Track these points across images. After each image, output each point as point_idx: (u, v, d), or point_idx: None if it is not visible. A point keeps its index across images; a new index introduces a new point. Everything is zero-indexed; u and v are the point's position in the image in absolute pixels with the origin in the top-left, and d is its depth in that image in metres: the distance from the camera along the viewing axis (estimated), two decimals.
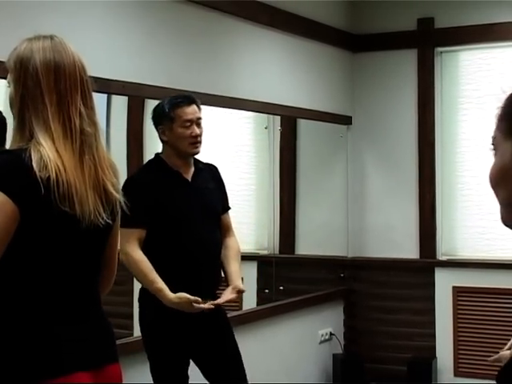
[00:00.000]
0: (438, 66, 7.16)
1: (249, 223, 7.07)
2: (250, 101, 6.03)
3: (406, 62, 7.20)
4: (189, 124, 4.08)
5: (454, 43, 7.10)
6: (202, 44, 5.58)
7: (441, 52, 7.17)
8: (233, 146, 6.55)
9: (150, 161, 4.33)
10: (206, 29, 5.60)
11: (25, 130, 2.41)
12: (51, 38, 2.49)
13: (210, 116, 6.30)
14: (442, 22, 7.08)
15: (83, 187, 2.40)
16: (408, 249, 7.16)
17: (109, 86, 4.72)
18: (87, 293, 2.55)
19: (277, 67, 6.41)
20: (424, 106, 7.15)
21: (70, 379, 2.38)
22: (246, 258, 6.97)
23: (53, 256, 2.43)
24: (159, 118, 4.16)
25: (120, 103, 5.38)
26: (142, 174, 4.28)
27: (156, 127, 4.19)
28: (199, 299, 3.85)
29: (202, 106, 5.62)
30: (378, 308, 7.21)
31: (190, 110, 4.11)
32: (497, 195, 1.42)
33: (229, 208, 4.40)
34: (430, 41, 7.14)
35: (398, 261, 7.17)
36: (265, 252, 7.13)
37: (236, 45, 5.96)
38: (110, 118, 5.50)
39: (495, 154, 1.42)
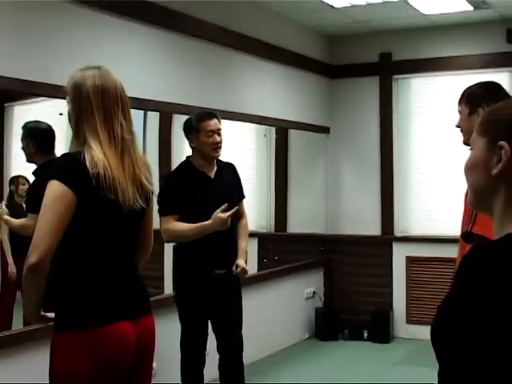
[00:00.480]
0: (395, 90, 7.14)
1: (251, 208, 7.03)
2: (252, 115, 6.03)
3: (371, 86, 7.16)
4: (211, 134, 4.08)
5: (407, 72, 7.08)
6: (217, 72, 5.58)
7: (397, 79, 7.15)
8: (240, 149, 6.55)
9: (181, 163, 4.31)
10: (219, 60, 5.60)
11: (80, 138, 2.43)
12: (99, 68, 2.50)
13: (223, 127, 6.31)
14: (398, 56, 7.07)
15: (124, 181, 2.41)
16: (372, 227, 7.14)
17: (144, 104, 4.72)
18: (128, 261, 2.54)
19: (273, 89, 6.39)
20: (385, 119, 7.13)
21: (115, 326, 2.37)
22: (249, 235, 6.98)
23: (102, 233, 2.43)
24: (189, 129, 4.17)
25: (153, 118, 5.37)
26: (174, 174, 4.31)
27: (186, 136, 4.20)
28: (223, 208, 3.90)
29: None
30: (349, 273, 7.19)
31: (212, 123, 4.11)
32: (467, 181, 1.41)
33: (243, 197, 4.37)
34: (388, 70, 7.12)
35: (365, 237, 7.15)
36: (263, 230, 7.13)
37: (241, 73, 5.94)
38: (146, 129, 5.49)
39: (471, 149, 1.41)
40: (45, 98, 4.34)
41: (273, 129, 6.97)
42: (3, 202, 4.31)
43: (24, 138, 4.12)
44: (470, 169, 1.40)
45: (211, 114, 4.18)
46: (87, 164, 2.33)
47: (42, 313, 2.48)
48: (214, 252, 4.07)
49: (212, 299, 4.11)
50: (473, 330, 1.21)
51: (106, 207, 2.39)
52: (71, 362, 2.34)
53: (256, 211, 7.15)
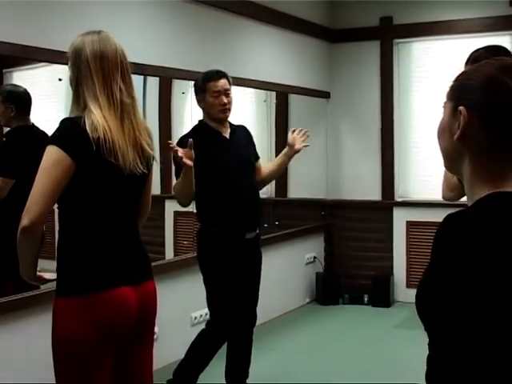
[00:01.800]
0: (396, 54, 7.08)
1: None
2: (252, 80, 5.99)
3: (371, 50, 7.11)
4: (217, 94, 3.91)
5: (408, 36, 7.02)
6: (216, 37, 5.54)
7: (398, 43, 7.09)
8: (239, 114, 6.51)
9: (195, 126, 4.14)
10: (218, 25, 5.55)
11: (80, 103, 2.43)
12: (99, 32, 2.50)
13: None
14: (399, 19, 7.00)
15: (124, 144, 2.41)
16: (373, 192, 7.14)
17: (144, 69, 4.69)
18: (129, 226, 2.55)
19: (273, 54, 6.35)
20: (385, 84, 7.09)
21: (116, 291, 2.39)
22: None
23: (103, 197, 2.43)
24: (196, 89, 4.02)
25: (153, 83, 5.35)
26: (190, 135, 3.99)
27: (196, 97, 4.05)
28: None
29: None
30: (349, 238, 7.21)
31: (220, 83, 3.93)
32: (439, 145, 1.43)
33: (259, 157, 4.25)
34: (389, 34, 7.06)
35: (366, 202, 7.16)
36: (264, 196, 7.10)
37: (241, 37, 5.90)
38: (146, 94, 5.47)
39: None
40: (44, 63, 4.31)
41: (273, 94, 6.94)
42: None
43: (2, 102, 4.07)
44: (440, 133, 1.43)
45: (219, 73, 3.98)
46: (87, 128, 2.33)
47: (38, 273, 2.50)
48: (243, 215, 3.95)
49: (242, 267, 3.99)
50: (450, 300, 1.25)
51: (107, 171, 2.39)
52: (73, 327, 2.36)
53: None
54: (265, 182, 4.32)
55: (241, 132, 4.18)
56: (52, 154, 2.33)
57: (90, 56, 2.42)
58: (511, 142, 1.31)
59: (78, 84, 2.45)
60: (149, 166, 2.56)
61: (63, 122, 2.43)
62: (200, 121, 4.11)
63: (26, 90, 4.18)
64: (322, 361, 5.18)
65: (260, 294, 6.01)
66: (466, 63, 2.87)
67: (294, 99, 7.17)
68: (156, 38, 4.91)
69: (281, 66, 6.49)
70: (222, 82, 3.95)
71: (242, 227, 3.97)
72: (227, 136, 4.03)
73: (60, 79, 4.41)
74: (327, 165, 7.32)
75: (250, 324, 4.20)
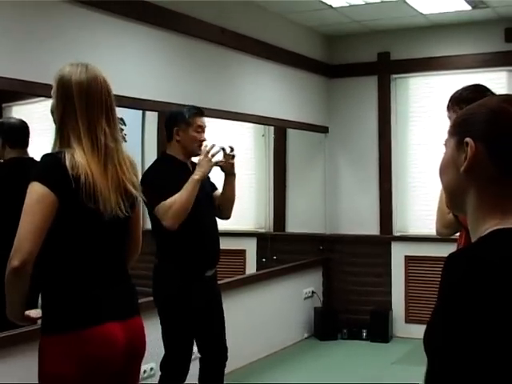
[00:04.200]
0: (393, 89, 7.11)
1: (250, 208, 7.06)
2: (251, 115, 6.01)
3: (369, 85, 7.15)
4: (200, 130, 3.93)
5: (406, 71, 7.06)
6: (215, 72, 5.56)
7: (395, 78, 7.12)
8: (238, 148, 6.51)
9: (161, 157, 4.11)
10: (218, 61, 5.58)
11: (63, 140, 2.39)
12: (86, 66, 2.45)
13: (220, 126, 6.29)
14: (396, 55, 7.04)
15: (107, 190, 2.36)
16: (371, 227, 7.12)
17: (142, 104, 4.72)
18: (115, 263, 2.50)
19: (271, 89, 6.38)
20: (383, 118, 7.11)
21: (103, 327, 2.35)
22: (248, 234, 7.01)
23: (85, 238, 2.39)
24: (175, 121, 3.94)
25: (151, 116, 5.37)
26: (158, 166, 4.01)
27: (171, 128, 3.95)
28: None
29: (213, 119, 5.62)
30: (348, 272, 7.17)
31: (203, 120, 3.97)
32: (442, 183, 1.42)
33: (216, 188, 4.16)
34: (386, 69, 7.10)
35: (363, 236, 7.13)
36: (262, 230, 7.12)
37: (239, 73, 5.92)
38: (144, 128, 5.49)
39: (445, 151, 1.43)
40: (42, 98, 4.32)
41: (271, 128, 6.96)
42: None
43: None
44: (443, 169, 1.42)
45: (202, 110, 4.03)
46: (67, 165, 2.29)
47: (26, 313, 2.44)
48: (206, 252, 3.92)
49: (201, 305, 3.91)
50: (462, 341, 1.22)
51: (85, 215, 2.35)
52: (60, 364, 2.31)
53: (255, 211, 7.15)
54: (225, 207, 4.15)
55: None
56: (36, 190, 2.28)
57: (76, 94, 2.38)
58: None
59: (62, 121, 2.40)
60: (133, 207, 2.52)
61: (44, 157, 2.39)
62: (163, 152, 4.05)
63: (21, 121, 4.14)
64: None
65: (257, 328, 6.01)
66: (449, 105, 2.85)
67: (292, 134, 7.18)
68: (154, 72, 4.93)
69: (279, 101, 6.51)
70: (204, 119, 4.00)
71: (203, 264, 3.92)
72: (191, 168, 3.95)
73: None
74: (325, 199, 7.30)
75: (221, 360, 4.08)
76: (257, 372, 5.72)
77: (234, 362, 5.65)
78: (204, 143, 3.90)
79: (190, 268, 3.87)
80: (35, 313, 2.45)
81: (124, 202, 2.42)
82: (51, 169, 2.32)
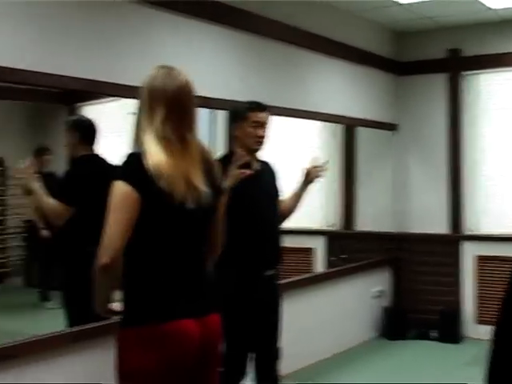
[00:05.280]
0: (464, 86, 6.98)
1: (319, 207, 7.03)
2: (320, 113, 6.00)
3: (439, 82, 7.03)
4: (256, 125, 3.84)
5: (477, 68, 6.90)
6: (284, 70, 5.57)
7: (466, 75, 6.98)
8: (307, 147, 6.52)
9: (225, 154, 4.02)
10: (287, 59, 5.58)
11: (138, 139, 2.45)
12: (169, 68, 2.52)
13: (290, 124, 6.29)
14: (466, 51, 6.90)
15: (185, 187, 2.39)
16: (440, 225, 6.99)
17: (213, 103, 4.74)
18: (194, 259, 2.52)
19: (340, 87, 6.34)
20: (453, 116, 6.98)
21: (178, 323, 2.38)
22: (317, 233, 6.99)
23: (165, 232, 2.42)
24: (235, 116, 3.95)
25: (221, 114, 5.40)
26: (220, 162, 3.96)
27: (230, 124, 3.99)
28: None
29: (285, 117, 5.61)
30: (417, 271, 7.07)
31: (261, 115, 3.87)
32: None
33: (281, 195, 4.10)
34: (457, 66, 6.96)
35: (433, 235, 7.01)
36: (331, 228, 7.09)
37: (308, 71, 5.90)
38: (215, 128, 5.52)
39: None
40: (113, 97, 4.39)
41: (340, 126, 6.92)
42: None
43: (68, 131, 4.17)
44: None
45: (262, 105, 3.93)
46: (147, 164, 2.34)
47: (110, 306, 2.51)
48: (264, 252, 3.87)
49: (258, 304, 3.87)
50: None
51: (167, 211, 2.39)
52: (134, 357, 2.36)
53: (324, 209, 7.13)
54: (284, 216, 4.13)
55: (267, 167, 4.08)
56: (120, 189, 2.34)
57: (155, 92, 2.44)
58: None
59: (139, 119, 2.47)
60: (216, 203, 2.55)
61: (127, 157, 2.44)
62: (230, 150, 4.02)
63: (91, 120, 4.25)
64: None
65: (325, 327, 5.97)
66: None
67: (360, 131, 7.12)
68: (226, 72, 4.95)
69: (348, 99, 6.46)
70: (264, 115, 3.88)
71: (262, 264, 3.87)
72: (255, 168, 3.89)
73: (129, 113, 4.48)
74: (394, 197, 7.22)
75: (273, 359, 4.02)
76: (324, 371, 5.69)
77: (300, 360, 5.66)
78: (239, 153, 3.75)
79: (248, 267, 3.85)
80: (117, 306, 2.50)
81: (200, 195, 2.44)
82: (133, 168, 2.37)
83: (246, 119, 3.85)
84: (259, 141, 3.86)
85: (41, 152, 5.51)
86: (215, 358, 2.57)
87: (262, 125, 3.87)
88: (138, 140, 2.44)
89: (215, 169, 2.57)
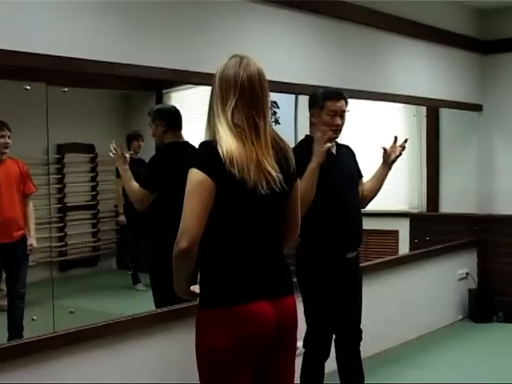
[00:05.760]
0: None
1: (402, 189, 7.01)
2: (401, 95, 5.95)
3: None
4: (333, 114, 3.83)
5: None
6: (363, 53, 5.54)
7: None
8: (389, 129, 6.48)
9: (303, 139, 4.04)
10: (365, 42, 5.55)
11: (210, 127, 2.51)
12: (241, 57, 2.56)
13: (371, 107, 6.28)
14: None
15: (256, 172, 2.43)
16: None
17: (292, 88, 4.79)
18: (269, 242, 2.58)
19: (420, 68, 6.26)
20: None
21: (253, 306, 2.45)
22: (400, 215, 6.97)
23: (239, 216, 2.49)
24: (313, 103, 3.93)
25: (305, 99, 5.43)
26: (299, 149, 3.65)
27: (309, 109, 3.96)
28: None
29: (364, 101, 5.60)
30: (504, 253, 6.94)
31: (338, 104, 3.85)
32: None
33: (362, 175, 4.14)
34: None
35: None
36: (415, 211, 7.06)
37: (388, 53, 5.86)
38: (297, 112, 5.57)
39: None
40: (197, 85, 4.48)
41: (423, 108, 6.84)
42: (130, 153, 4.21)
43: (153, 120, 4.23)
44: None
45: (339, 93, 3.90)
46: (221, 151, 2.40)
47: (190, 288, 2.61)
48: (346, 233, 3.90)
49: (340, 286, 3.93)
50: None
51: (240, 195, 2.44)
52: (210, 336, 2.45)
53: (408, 191, 7.10)
54: (367, 198, 4.15)
55: (345, 150, 4.10)
56: (195, 176, 2.42)
57: (226, 79, 2.50)
58: None
59: (211, 107, 2.53)
60: (291, 186, 2.59)
61: (201, 145, 2.52)
62: (307, 135, 4.02)
63: (174, 106, 4.32)
64: (473, 380, 5.00)
65: (410, 309, 5.96)
66: None
67: (444, 113, 7.03)
68: (307, 57, 4.98)
69: (430, 80, 6.37)
70: (340, 103, 3.86)
71: (344, 247, 3.91)
72: (333, 152, 3.92)
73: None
74: (479, 178, 7.09)
75: (355, 341, 4.07)
76: (408, 353, 5.69)
77: (385, 342, 5.68)
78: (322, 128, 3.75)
79: (330, 250, 3.89)
80: (198, 288, 2.59)
81: (273, 180, 2.47)
82: (207, 156, 2.44)
83: (322, 108, 3.85)
84: (336, 129, 3.85)
85: (133, 137, 5.67)
86: (291, 340, 2.62)
87: (339, 113, 3.86)
88: (211, 128, 2.51)
89: (289, 154, 2.60)
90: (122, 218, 5.24)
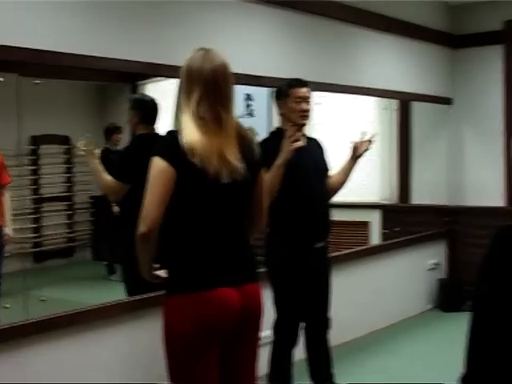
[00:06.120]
0: None
1: (374, 181, 7.08)
2: (373, 89, 6.02)
3: (495, 55, 6.94)
4: (299, 100, 3.94)
5: None
6: (334, 47, 5.60)
7: None
8: (361, 122, 6.55)
9: (273, 131, 4.15)
10: (337, 36, 5.61)
11: (181, 118, 2.57)
12: (206, 50, 2.62)
13: (342, 100, 6.34)
14: None
15: (218, 161, 2.50)
16: (496, 199, 6.96)
17: (262, 81, 4.84)
18: (234, 230, 2.64)
19: (391, 62, 6.34)
20: (509, 89, 6.90)
21: (218, 292, 2.52)
22: (372, 206, 7.05)
23: (202, 205, 2.56)
24: (279, 94, 4.03)
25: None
26: (269, 140, 3.98)
27: (276, 101, 4.06)
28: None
29: (336, 94, 5.68)
30: (473, 244, 7.01)
31: (302, 90, 3.97)
32: None
33: (328, 170, 4.18)
34: None
35: (488, 208, 6.96)
36: (386, 202, 7.13)
37: (359, 47, 5.92)
38: (271, 103, 5.61)
39: None
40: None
41: (393, 101, 6.93)
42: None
43: (130, 110, 4.21)
44: None
45: (302, 81, 4.03)
46: (183, 141, 2.47)
47: (155, 272, 2.69)
48: (314, 224, 3.98)
49: (309, 275, 4.00)
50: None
51: (202, 184, 2.52)
52: (176, 323, 2.53)
53: (379, 183, 7.18)
54: (334, 191, 4.22)
55: (315, 143, 4.18)
56: (157, 165, 2.50)
57: (191, 74, 2.56)
58: None
59: (179, 102, 2.60)
60: (255, 176, 2.66)
61: (165, 134, 2.60)
62: (278, 127, 4.10)
63: (153, 99, 4.33)
64: (439, 367, 5.11)
65: (380, 298, 6.05)
66: None
67: (415, 106, 7.12)
68: (278, 51, 5.03)
69: (401, 74, 6.46)
70: (305, 90, 3.98)
71: (311, 237, 3.99)
72: (303, 143, 3.94)
73: None
74: (449, 170, 7.20)
75: (324, 329, 4.15)
76: (378, 341, 5.79)
77: (355, 330, 5.76)
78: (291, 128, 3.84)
79: (298, 239, 3.97)
80: (161, 272, 2.68)
81: (238, 174, 2.55)
82: (169, 145, 2.52)
83: (288, 96, 3.96)
84: (304, 115, 3.96)
85: (111, 131, 5.68)
86: (255, 325, 2.69)
87: (305, 99, 3.97)
88: (176, 119, 2.58)
89: (252, 145, 2.67)
90: (116, 209, 5.24)
